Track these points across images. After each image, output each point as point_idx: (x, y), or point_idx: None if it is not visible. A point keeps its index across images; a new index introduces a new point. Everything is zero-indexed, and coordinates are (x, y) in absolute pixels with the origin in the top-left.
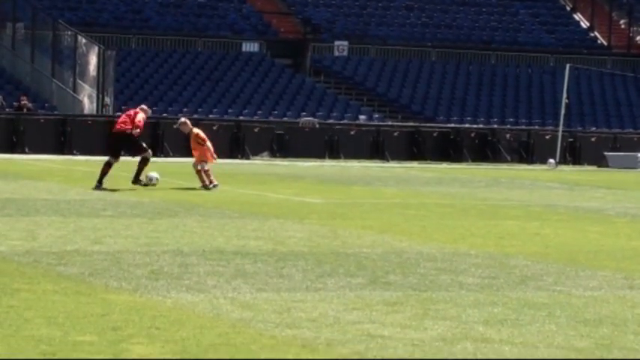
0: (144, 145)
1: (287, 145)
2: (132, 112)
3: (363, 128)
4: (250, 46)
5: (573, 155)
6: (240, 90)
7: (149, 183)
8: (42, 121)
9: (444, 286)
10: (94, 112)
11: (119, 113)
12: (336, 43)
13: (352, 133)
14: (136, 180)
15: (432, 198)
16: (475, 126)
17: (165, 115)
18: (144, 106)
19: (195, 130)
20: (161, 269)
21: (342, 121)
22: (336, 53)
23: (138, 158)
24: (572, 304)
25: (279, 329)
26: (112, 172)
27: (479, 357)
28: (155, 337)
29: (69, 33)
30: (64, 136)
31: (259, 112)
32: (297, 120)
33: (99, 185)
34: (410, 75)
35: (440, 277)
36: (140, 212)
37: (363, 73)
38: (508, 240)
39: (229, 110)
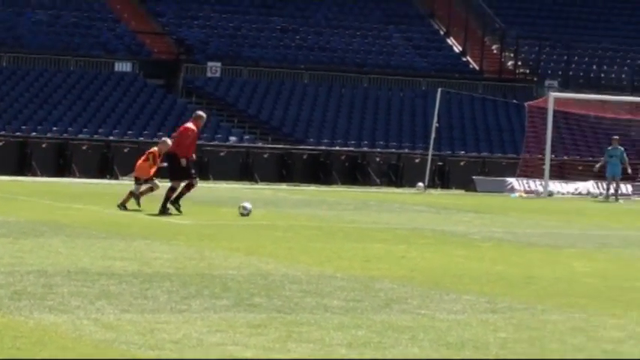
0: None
1: None
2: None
3: (233, 150)
4: (123, 66)
5: (442, 179)
6: (111, 110)
7: (244, 213)
8: None
9: (309, 308)
10: None
11: None
12: (209, 64)
13: (222, 154)
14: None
15: (300, 220)
16: (345, 149)
17: (34, 134)
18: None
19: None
20: (24, 289)
21: (211, 142)
22: (209, 74)
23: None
24: (436, 328)
25: (141, 350)
26: None
27: None
28: (16, 358)
29: None
30: None
31: (130, 132)
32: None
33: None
34: (282, 97)
35: (305, 299)
36: (5, 232)
37: (235, 95)
38: (374, 263)
39: (99, 130)
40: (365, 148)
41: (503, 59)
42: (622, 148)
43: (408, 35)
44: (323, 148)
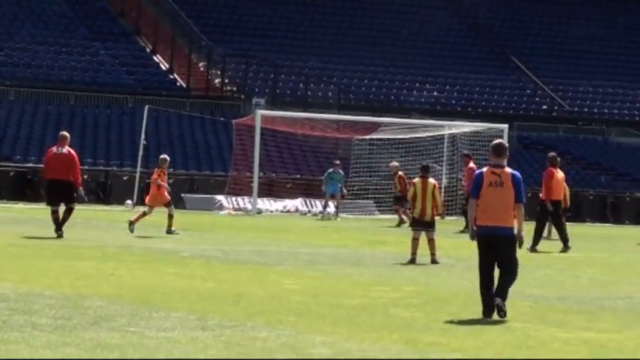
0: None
1: None
2: None
3: None
4: None
5: None
6: None
7: None
8: None
9: (17, 326)
10: None
11: None
12: None
13: None
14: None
15: (7, 238)
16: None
17: None
18: None
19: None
20: None
21: None
22: None
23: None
24: (145, 345)
25: None
26: None
27: None
28: None
29: None
30: None
31: None
32: None
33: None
34: None
35: (13, 317)
36: None
37: None
38: (83, 281)
39: None
40: None
41: (210, 77)
42: (342, 172)
43: (114, 52)
44: (30, 165)
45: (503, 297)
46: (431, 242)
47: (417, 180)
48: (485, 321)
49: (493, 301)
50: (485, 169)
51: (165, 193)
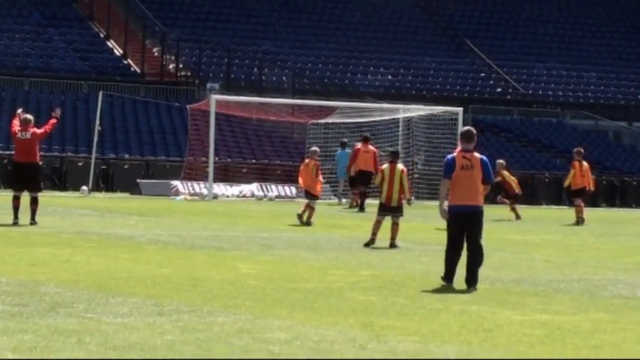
0: None
1: None
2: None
3: None
4: None
5: (106, 182)
6: None
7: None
8: None
9: None
10: None
11: None
12: None
13: None
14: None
15: None
16: (7, 152)
17: None
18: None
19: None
20: None
21: None
22: None
23: None
24: (102, 331)
25: None
26: None
27: None
28: None
29: None
30: None
31: None
32: None
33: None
34: None
35: None
36: None
37: None
38: (39, 267)
39: None
40: None
41: (164, 62)
42: (349, 151)
43: (68, 38)
44: None
45: (474, 282)
46: (394, 227)
47: (385, 166)
48: (442, 304)
49: (454, 270)
50: (456, 153)
51: (319, 187)
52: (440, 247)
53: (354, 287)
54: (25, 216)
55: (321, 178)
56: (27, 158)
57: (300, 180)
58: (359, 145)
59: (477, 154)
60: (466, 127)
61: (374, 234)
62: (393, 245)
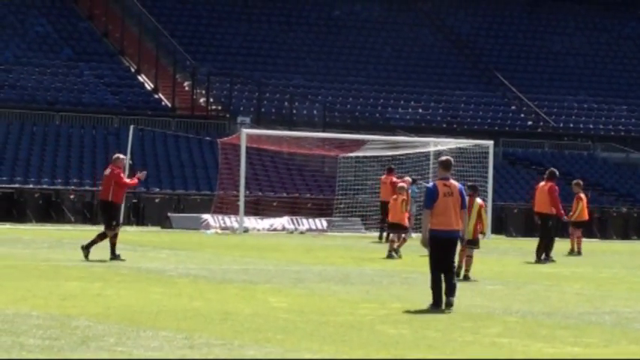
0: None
1: None
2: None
3: None
4: None
5: (137, 216)
6: None
7: None
8: None
9: (5, 347)
10: None
11: None
12: None
13: None
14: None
15: None
16: (39, 187)
17: None
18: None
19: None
20: None
21: None
22: None
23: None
24: None
25: None
26: None
27: None
28: None
29: None
30: None
31: None
32: None
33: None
34: None
35: (0, 338)
36: None
37: None
38: (70, 301)
39: None
40: (59, 186)
41: (195, 96)
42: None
43: (98, 73)
44: (16, 186)
45: (454, 293)
46: (468, 259)
47: None
48: (473, 337)
49: (442, 295)
50: (437, 182)
51: (406, 219)
52: (470, 279)
53: (385, 320)
54: (57, 249)
55: (409, 210)
56: (101, 195)
57: (390, 215)
58: (383, 176)
59: (454, 182)
60: (444, 157)
61: (459, 267)
62: (466, 277)
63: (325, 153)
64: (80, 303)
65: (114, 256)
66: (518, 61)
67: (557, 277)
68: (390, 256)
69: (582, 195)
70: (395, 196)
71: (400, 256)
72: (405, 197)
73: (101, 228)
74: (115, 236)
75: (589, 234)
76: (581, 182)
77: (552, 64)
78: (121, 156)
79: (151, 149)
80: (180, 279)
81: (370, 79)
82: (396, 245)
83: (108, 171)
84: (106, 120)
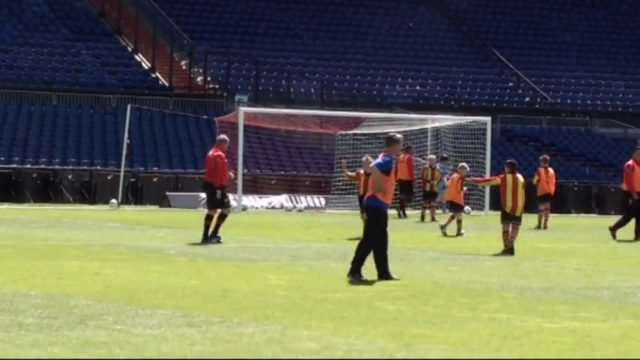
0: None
1: None
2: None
3: None
4: None
5: (135, 195)
6: None
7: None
8: None
9: (3, 326)
10: None
11: None
12: None
13: None
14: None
15: None
16: (37, 167)
17: None
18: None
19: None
20: None
21: None
22: None
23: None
24: (132, 343)
25: None
26: None
27: None
28: None
29: None
30: None
31: None
32: None
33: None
34: None
35: None
36: None
37: None
38: (68, 280)
39: None
40: (57, 166)
41: (192, 75)
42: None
43: (95, 52)
44: (14, 166)
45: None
46: (515, 231)
47: (507, 176)
48: (471, 313)
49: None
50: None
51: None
52: (469, 256)
53: (383, 297)
54: (55, 229)
55: (465, 189)
56: (205, 177)
57: (447, 193)
58: (401, 155)
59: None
60: (391, 133)
61: (507, 244)
62: (510, 248)
63: (323, 131)
64: (78, 282)
65: (213, 237)
66: (515, 38)
67: (555, 253)
68: (459, 234)
69: (542, 170)
70: (454, 176)
71: (445, 234)
72: (461, 176)
73: (103, 207)
74: (223, 217)
75: (588, 210)
76: (547, 157)
77: (550, 40)
78: (225, 137)
79: (149, 128)
80: (178, 257)
81: (367, 57)
82: (444, 222)
83: (212, 152)
84: (103, 100)
